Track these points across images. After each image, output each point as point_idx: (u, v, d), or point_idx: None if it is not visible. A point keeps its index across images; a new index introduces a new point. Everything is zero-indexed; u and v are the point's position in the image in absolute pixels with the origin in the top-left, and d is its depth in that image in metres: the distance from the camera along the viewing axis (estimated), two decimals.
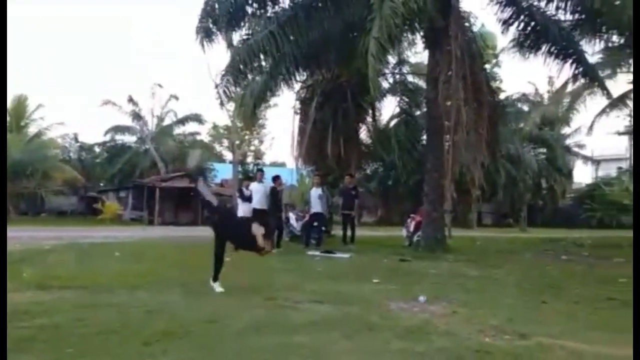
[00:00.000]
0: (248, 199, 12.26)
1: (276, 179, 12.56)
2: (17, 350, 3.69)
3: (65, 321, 4.57)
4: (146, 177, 30.12)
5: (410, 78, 18.54)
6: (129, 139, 34.31)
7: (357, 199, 14.14)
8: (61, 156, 31.43)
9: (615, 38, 13.48)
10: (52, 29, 68.68)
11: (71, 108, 48.18)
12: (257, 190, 12.47)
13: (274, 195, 12.29)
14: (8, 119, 28.94)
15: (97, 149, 35.27)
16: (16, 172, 23.86)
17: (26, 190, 30.46)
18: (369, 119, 17.06)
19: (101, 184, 33.48)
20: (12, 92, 29.38)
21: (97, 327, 4.39)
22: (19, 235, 13.39)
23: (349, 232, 13.53)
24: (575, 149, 33.98)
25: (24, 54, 66.44)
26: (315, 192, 13.21)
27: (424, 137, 16.06)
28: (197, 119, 33.62)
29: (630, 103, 22.88)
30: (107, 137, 33.99)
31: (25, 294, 5.79)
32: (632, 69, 17.12)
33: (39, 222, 23.17)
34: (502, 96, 24.85)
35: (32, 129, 29.92)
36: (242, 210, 12.32)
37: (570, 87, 22.20)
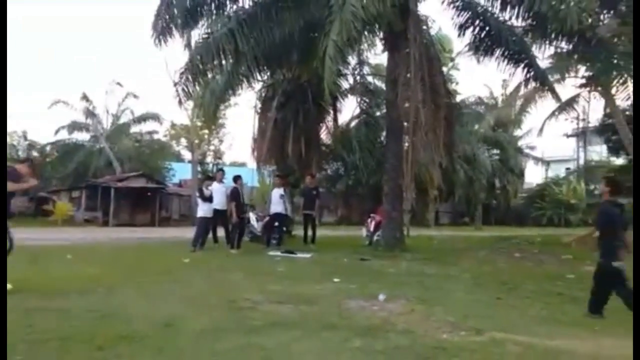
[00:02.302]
0: (209, 199, 12.07)
1: (237, 179, 12.41)
2: None
3: (13, 327, 4.35)
4: (101, 176, 29.12)
5: (370, 79, 18.76)
6: (83, 137, 33.10)
7: (318, 199, 14.19)
8: (8, 155, 29.95)
9: (564, 44, 14.05)
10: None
11: (20, 105, 45.94)
12: (218, 191, 12.28)
13: (236, 195, 12.10)
14: None
15: (48, 148, 33.79)
16: None
17: None
18: (330, 119, 17.13)
19: (53, 184, 32.09)
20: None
21: (49, 333, 4.22)
22: None
23: (310, 232, 13.55)
24: (527, 151, 35.28)
25: None
26: (277, 193, 13.16)
27: (384, 137, 16.27)
28: (155, 117, 32.77)
29: (577, 107, 24.01)
30: (59, 136, 32.64)
31: None
32: (579, 74, 17.95)
33: None
34: (458, 99, 25.54)
35: None
36: (202, 210, 12.12)
37: (522, 91, 22.98)
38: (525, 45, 13.97)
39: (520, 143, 34.42)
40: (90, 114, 31.78)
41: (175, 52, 34.94)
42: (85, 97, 31.30)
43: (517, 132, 33.77)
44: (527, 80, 14.99)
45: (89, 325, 4.54)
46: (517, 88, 22.97)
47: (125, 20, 77.04)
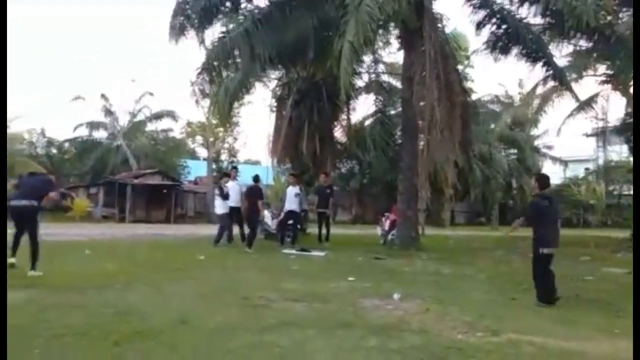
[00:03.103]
0: (226, 197, 12.20)
1: (257, 178, 12.54)
2: None
3: (32, 322, 4.44)
4: (118, 173, 29.49)
5: (385, 77, 18.67)
6: (100, 134, 33.56)
7: (332, 197, 14.17)
8: (27, 151, 30.46)
9: (582, 42, 13.84)
10: (26, 26, 66.58)
11: (40, 104, 46.68)
12: (232, 188, 12.39)
13: (255, 194, 12.17)
14: None
15: (66, 145, 34.32)
16: None
17: None
18: (344, 118, 17.10)
19: (71, 181, 32.58)
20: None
21: (65, 328, 4.28)
22: None
23: (324, 231, 13.55)
24: (544, 150, 34.81)
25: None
26: (292, 190, 13.16)
27: (399, 136, 16.19)
28: (171, 115, 33.08)
29: (597, 106, 23.58)
30: (77, 133, 33.14)
31: None
32: (598, 72, 17.66)
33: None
34: (474, 97, 25.28)
35: None
36: (222, 207, 12.25)
37: (539, 89, 22.68)
38: (543, 43, 13.79)
39: (537, 142, 33.98)
40: (107, 112, 32.22)
41: (191, 51, 35.26)
42: (103, 96, 31.76)
43: (535, 132, 33.35)
44: (544, 79, 14.80)
45: (106, 321, 4.60)
46: (535, 87, 22.66)
47: (140, 20, 77.88)
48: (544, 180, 6.71)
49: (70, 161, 33.40)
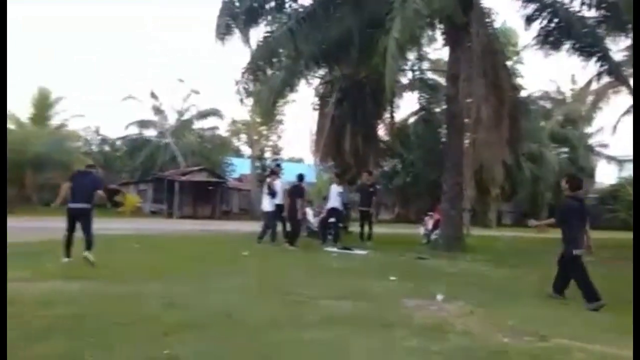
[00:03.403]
0: (274, 195, 12.39)
1: (301, 177, 12.64)
2: (40, 339, 3.79)
3: (86, 311, 4.66)
4: (166, 170, 30.47)
5: (429, 74, 18.39)
6: (150, 133, 34.79)
7: (375, 196, 14.08)
8: (83, 149, 31.97)
9: None
10: (78, 27, 69.84)
11: (94, 103, 49.04)
12: (277, 186, 12.56)
13: (297, 193, 12.28)
14: (31, 111, 29.51)
15: (118, 143, 35.80)
16: (40, 164, 24.34)
17: (50, 182, 31.06)
18: (388, 116, 16.95)
19: (122, 177, 33.98)
20: (35, 86, 30.03)
21: (117, 317, 4.47)
22: (42, 225, 13.68)
23: (366, 229, 13.50)
24: (599, 149, 33.29)
25: (50, 51, 67.85)
26: (335, 189, 13.17)
27: (444, 134, 15.91)
28: (216, 113, 33.87)
29: None
30: (128, 131, 34.51)
31: (48, 283, 5.92)
32: None
33: (61, 213, 23.61)
34: (523, 94, 24.49)
35: (54, 122, 30.47)
36: (267, 204, 12.44)
37: (594, 85, 21.70)
38: (598, 37, 13.18)
39: (591, 141, 32.56)
40: (157, 110, 33.34)
41: (235, 51, 35.85)
42: (153, 95, 32.88)
43: (588, 130, 31.97)
44: (599, 74, 14.16)
45: (155, 312, 4.77)
46: (589, 83, 21.70)
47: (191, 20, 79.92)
48: (575, 181, 6.76)
49: (122, 158, 34.82)
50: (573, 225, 6.36)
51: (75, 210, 7.76)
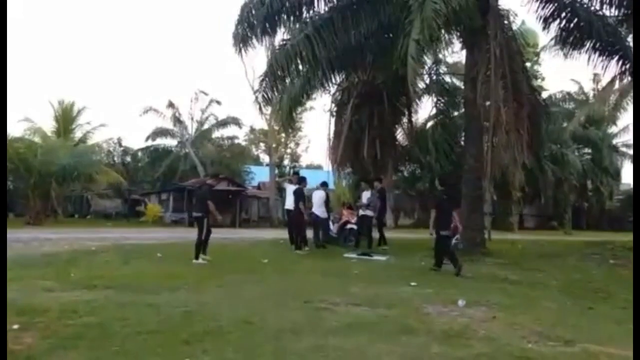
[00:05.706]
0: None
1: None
2: (65, 347, 3.86)
3: (110, 320, 4.73)
4: (186, 179, 30.83)
5: (447, 78, 18.26)
6: (170, 142, 35.28)
7: (383, 202, 13.89)
8: (106, 160, 32.61)
9: None
10: (99, 36, 71.48)
11: (115, 114, 50.18)
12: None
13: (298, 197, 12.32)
14: (55, 124, 30.26)
15: (139, 154, 36.39)
16: (64, 176, 24.89)
17: (73, 193, 31.77)
18: (405, 121, 16.87)
19: (144, 187, 34.51)
20: (58, 97, 30.74)
21: (140, 326, 4.53)
22: (66, 236, 13.98)
23: (378, 234, 13.31)
24: (623, 149, 32.50)
25: (71, 63, 69.54)
26: (365, 195, 13.04)
27: (462, 137, 15.76)
28: (236, 122, 34.17)
29: None
30: (149, 142, 35.03)
31: (73, 293, 6.03)
32: None
33: (85, 224, 24.11)
34: (544, 95, 24.13)
35: (77, 134, 31.16)
36: (317, 210, 12.64)
37: (617, 85, 21.25)
38: (620, 36, 12.93)
39: (615, 141, 31.82)
40: (177, 120, 33.79)
41: (253, 59, 36.14)
42: (171, 104, 33.32)
43: (612, 130, 31.28)
44: (622, 74, 13.88)
45: (177, 320, 4.82)
46: (611, 82, 21.26)
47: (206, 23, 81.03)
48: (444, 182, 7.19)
49: (143, 169, 35.36)
50: (443, 213, 8.07)
51: (194, 219, 9.89)
